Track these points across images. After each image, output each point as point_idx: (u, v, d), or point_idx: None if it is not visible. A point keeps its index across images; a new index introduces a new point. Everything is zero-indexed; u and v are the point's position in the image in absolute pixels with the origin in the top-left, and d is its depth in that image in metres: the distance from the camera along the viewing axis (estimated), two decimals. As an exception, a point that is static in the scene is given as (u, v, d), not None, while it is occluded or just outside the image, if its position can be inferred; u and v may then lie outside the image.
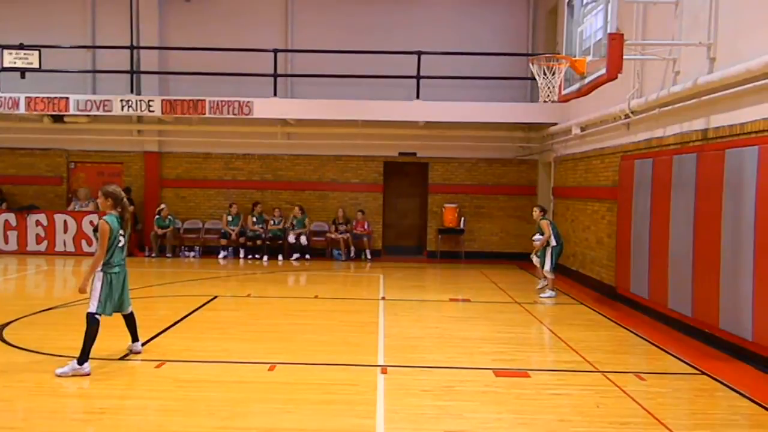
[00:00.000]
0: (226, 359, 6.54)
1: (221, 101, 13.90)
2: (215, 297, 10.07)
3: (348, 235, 15.39)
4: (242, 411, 5.06)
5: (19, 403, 5.21)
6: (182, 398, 5.35)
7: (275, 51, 14.29)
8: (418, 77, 14.10)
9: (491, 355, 6.99)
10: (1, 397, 5.29)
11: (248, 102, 13.93)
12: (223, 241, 15.31)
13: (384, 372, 6.18)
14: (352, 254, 15.45)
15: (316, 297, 10.55)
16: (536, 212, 10.95)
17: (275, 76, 14.26)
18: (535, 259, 10.96)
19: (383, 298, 10.34)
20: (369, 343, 7.39)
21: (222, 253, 15.27)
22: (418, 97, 14.11)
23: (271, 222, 15.32)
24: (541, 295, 10.71)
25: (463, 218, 15.84)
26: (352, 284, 12.60)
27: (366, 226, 15.66)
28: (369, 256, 15.50)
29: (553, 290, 10.71)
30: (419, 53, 14.06)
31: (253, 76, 14.51)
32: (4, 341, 7.06)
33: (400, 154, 16.05)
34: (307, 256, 15.14)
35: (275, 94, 14.27)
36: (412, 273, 13.68)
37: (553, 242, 10.60)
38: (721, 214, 7.19)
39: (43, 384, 5.62)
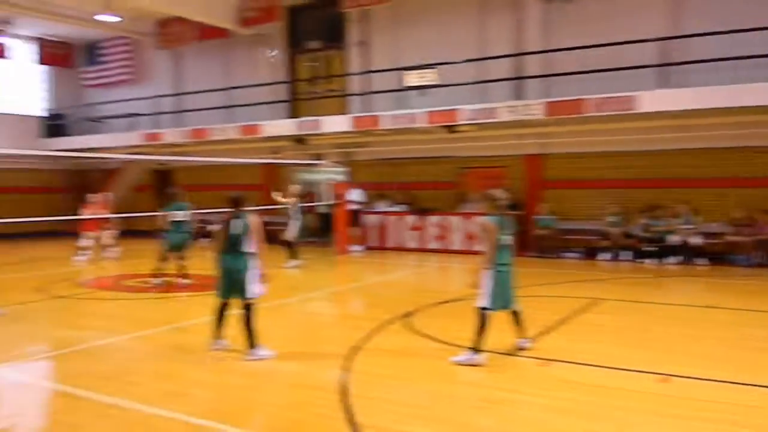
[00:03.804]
0: (611, 365, 6.27)
1: (604, 98, 13.50)
2: (596, 299, 9.81)
3: (756, 237, 13.33)
4: (636, 421, 4.78)
5: (421, 384, 5.80)
6: (569, 399, 5.30)
7: (659, 39, 13.29)
8: None
9: None
10: (407, 377, 5.96)
11: (632, 96, 13.25)
12: (604, 243, 14.86)
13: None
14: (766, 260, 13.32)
15: (712, 306, 9.43)
16: None
17: (662, 66, 13.26)
18: None
19: (801, 313, 8.72)
20: (784, 364, 6.31)
21: (603, 255, 14.83)
22: None
23: (659, 223, 14.28)
24: None
25: None
26: (761, 294, 10.89)
27: (776, 228, 13.40)
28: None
29: None
30: None
31: (633, 69, 13.64)
32: (411, 328, 8.00)
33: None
34: (701, 261, 13.67)
35: (661, 86, 13.27)
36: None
37: None
38: None
39: (442, 370, 6.16)
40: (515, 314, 6.72)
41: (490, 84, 16.29)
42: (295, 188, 14.57)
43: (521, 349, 6.75)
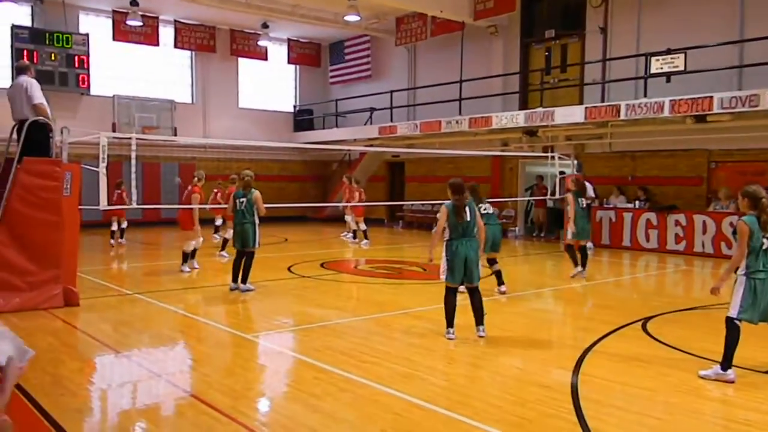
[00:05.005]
0: None
1: None
2: None
3: None
4: None
5: (659, 395, 5.36)
6: None
7: None
8: None
9: None
10: (643, 386, 5.55)
11: None
12: None
13: None
14: None
15: None
16: None
17: None
18: None
19: None
20: None
21: None
22: None
23: None
24: None
25: None
26: None
27: None
28: None
29: None
30: None
31: None
32: (648, 334, 7.45)
33: None
34: None
35: None
36: None
37: None
38: None
39: (685, 382, 5.64)
40: (780, 329, 5.92)
41: (748, 69, 14.50)
42: (574, 182, 11.96)
43: (783, 368, 5.95)
